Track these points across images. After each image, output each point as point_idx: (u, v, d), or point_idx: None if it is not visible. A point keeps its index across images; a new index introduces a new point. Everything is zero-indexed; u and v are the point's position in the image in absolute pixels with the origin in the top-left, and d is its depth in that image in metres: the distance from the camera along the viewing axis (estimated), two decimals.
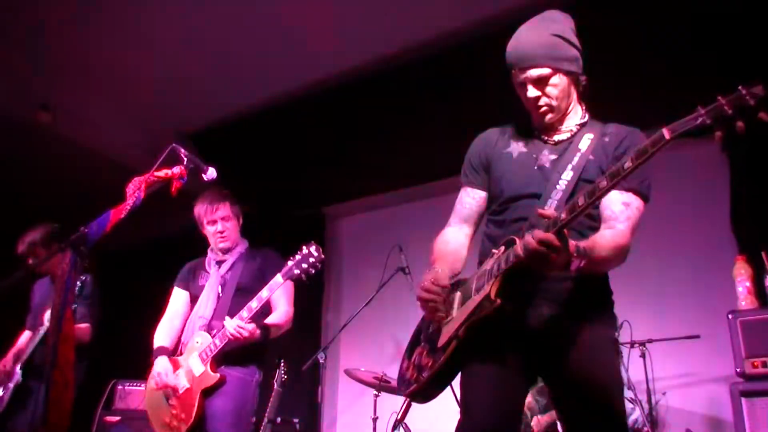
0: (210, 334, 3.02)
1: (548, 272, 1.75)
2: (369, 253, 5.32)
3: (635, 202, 1.87)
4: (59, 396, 1.73)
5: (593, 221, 1.91)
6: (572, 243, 1.65)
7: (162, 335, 3.20)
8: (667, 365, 3.91)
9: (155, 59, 4.82)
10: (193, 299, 3.24)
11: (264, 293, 2.96)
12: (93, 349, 3.93)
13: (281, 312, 3.15)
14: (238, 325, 2.89)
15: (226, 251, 3.26)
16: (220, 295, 3.15)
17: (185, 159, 2.41)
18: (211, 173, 2.79)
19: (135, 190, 2.16)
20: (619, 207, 1.85)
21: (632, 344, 3.76)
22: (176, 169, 2.35)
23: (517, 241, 1.72)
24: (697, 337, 3.70)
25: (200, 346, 3.02)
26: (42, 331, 3.68)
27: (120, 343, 5.30)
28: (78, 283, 3.53)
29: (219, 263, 3.25)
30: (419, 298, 1.94)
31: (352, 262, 5.92)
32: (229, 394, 2.97)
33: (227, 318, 2.94)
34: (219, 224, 3.20)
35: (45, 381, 1.73)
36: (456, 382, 2.00)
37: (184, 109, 5.42)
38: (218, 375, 2.96)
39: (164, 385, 2.99)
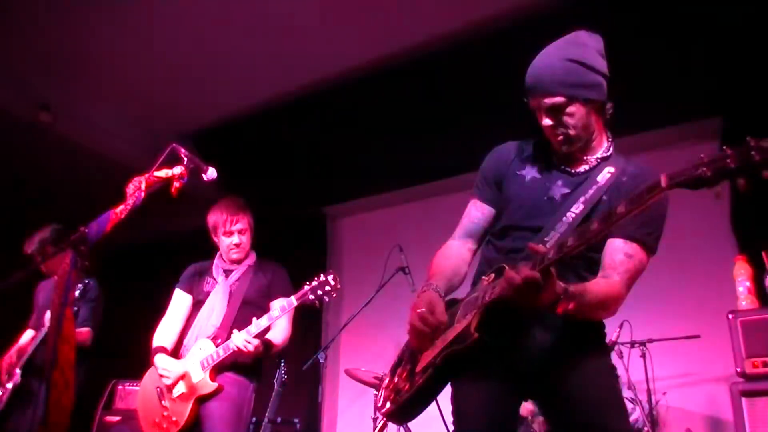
0: (214, 343, 3.01)
1: (532, 308, 1.68)
2: (369, 253, 5.32)
3: (638, 254, 1.78)
4: (59, 396, 1.73)
5: (595, 265, 1.82)
6: (561, 285, 1.59)
7: (161, 336, 3.18)
8: (667, 365, 3.91)
9: (155, 59, 4.82)
10: (197, 303, 3.21)
11: (275, 313, 2.98)
12: (93, 350, 3.94)
13: (281, 330, 3.15)
14: (246, 339, 2.89)
15: (236, 262, 3.25)
16: (227, 305, 3.13)
17: (185, 159, 2.41)
18: (211, 173, 2.78)
19: (135, 190, 2.17)
20: (620, 257, 1.76)
21: (632, 344, 3.76)
22: (176, 169, 2.35)
23: (506, 270, 1.63)
24: (697, 337, 3.70)
25: (202, 353, 3.00)
26: (44, 331, 3.68)
27: (120, 343, 5.30)
28: (80, 285, 3.53)
29: (227, 272, 3.23)
30: (411, 324, 1.84)
31: (352, 262, 5.92)
32: (227, 397, 2.96)
33: (235, 331, 2.94)
34: (236, 236, 3.18)
35: (45, 381, 1.73)
36: (441, 397, 1.97)
37: (184, 109, 5.42)
38: (216, 384, 2.94)
39: (175, 378, 2.97)
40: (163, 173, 2.30)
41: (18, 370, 3.73)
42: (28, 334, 4.02)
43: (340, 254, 6.10)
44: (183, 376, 2.99)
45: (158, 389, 3.06)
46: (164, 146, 2.35)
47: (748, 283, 3.40)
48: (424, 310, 1.81)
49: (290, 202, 5.73)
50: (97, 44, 4.66)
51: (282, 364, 4.31)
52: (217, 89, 5.15)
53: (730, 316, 3.25)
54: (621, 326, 3.63)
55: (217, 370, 2.98)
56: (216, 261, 3.29)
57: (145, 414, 3.09)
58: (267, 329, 3.09)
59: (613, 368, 1.93)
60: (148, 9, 4.30)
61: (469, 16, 4.27)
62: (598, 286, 1.72)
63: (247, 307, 3.09)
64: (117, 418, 4.69)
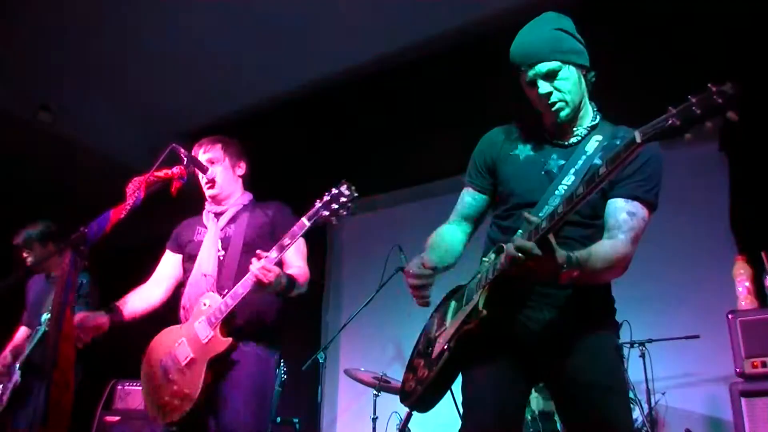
0: (220, 294, 2.59)
1: (536, 281, 1.74)
2: (369, 253, 5.32)
3: (640, 211, 1.81)
4: (59, 396, 1.73)
5: (600, 233, 1.85)
6: (563, 253, 1.61)
7: (130, 296, 2.81)
8: (667, 365, 3.91)
9: (155, 59, 4.82)
10: (189, 259, 2.80)
11: (286, 240, 2.50)
12: (92, 349, 3.93)
13: (298, 268, 2.75)
14: (265, 266, 2.44)
15: (219, 201, 2.85)
16: (220, 250, 2.73)
17: (185, 159, 2.42)
18: (211, 173, 2.79)
19: (135, 190, 2.17)
20: (623, 216, 1.79)
21: (632, 344, 3.76)
22: (176, 169, 2.36)
23: (506, 246, 1.68)
24: (697, 337, 3.70)
25: (208, 308, 2.58)
26: (40, 330, 3.68)
27: (120, 343, 5.30)
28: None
29: (217, 215, 2.84)
30: (408, 284, 1.94)
31: (352, 262, 5.92)
32: (246, 373, 2.56)
33: (254, 260, 2.49)
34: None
35: (45, 381, 1.73)
36: (455, 387, 2.01)
37: (184, 109, 5.42)
38: (230, 339, 2.51)
39: (84, 323, 2.65)
40: (163, 173, 2.31)
41: (18, 370, 3.73)
42: (21, 332, 4.01)
43: (340, 254, 6.10)
44: (190, 339, 2.58)
45: (162, 364, 2.64)
46: (164, 146, 2.35)
47: (747, 283, 3.40)
48: (414, 267, 1.92)
49: (289, 202, 5.72)
50: (97, 44, 4.66)
51: (282, 364, 4.31)
52: (216, 89, 5.16)
53: (730, 316, 3.25)
54: (620, 326, 3.63)
55: (231, 332, 2.56)
56: (206, 206, 2.90)
57: (151, 394, 2.64)
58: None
59: (619, 348, 1.96)
60: (148, 9, 4.31)
61: (469, 15, 4.28)
62: (602, 248, 1.74)
63: (247, 252, 2.65)
64: (117, 418, 4.69)
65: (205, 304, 2.62)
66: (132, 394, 4.82)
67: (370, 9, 4.28)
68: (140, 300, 2.84)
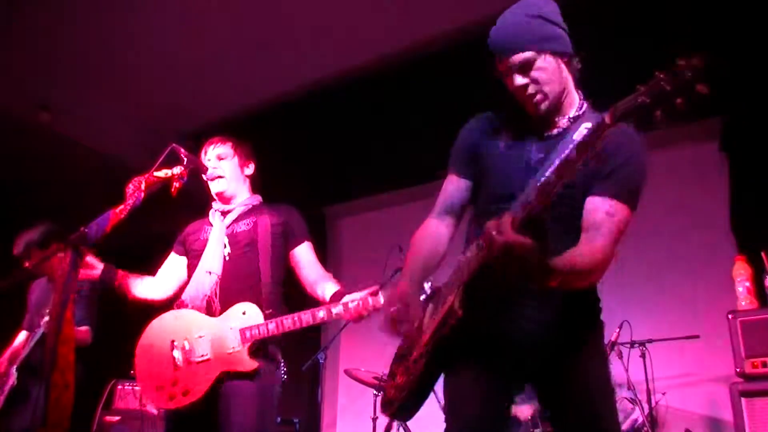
0: (264, 313, 2.50)
1: (514, 277, 1.60)
2: (369, 253, 5.31)
3: (620, 212, 1.70)
4: (59, 397, 1.73)
5: (573, 229, 1.76)
6: (546, 261, 1.52)
7: (134, 276, 2.78)
8: (667, 365, 3.91)
9: (155, 59, 4.82)
10: (196, 256, 2.70)
11: (356, 296, 2.48)
12: (92, 349, 3.93)
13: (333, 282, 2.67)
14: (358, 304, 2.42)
15: (226, 199, 2.78)
16: (227, 247, 2.65)
17: (185, 159, 2.42)
18: (211, 173, 2.79)
19: (135, 190, 2.17)
20: (601, 216, 1.69)
21: (632, 344, 3.76)
22: (176, 169, 2.36)
23: (487, 226, 1.53)
24: (697, 337, 3.70)
25: (245, 318, 2.49)
26: (39, 332, 3.66)
27: (120, 343, 5.30)
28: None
29: (224, 214, 2.77)
30: (384, 325, 1.79)
31: (352, 262, 5.92)
32: (254, 385, 2.48)
33: (332, 307, 2.47)
34: (213, 161, 2.78)
35: (45, 382, 1.72)
36: (439, 387, 1.95)
37: (184, 109, 5.42)
38: (256, 364, 2.45)
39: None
40: (163, 173, 2.31)
41: (14, 372, 3.71)
42: (21, 336, 4.00)
43: (339, 254, 6.10)
44: (214, 339, 2.48)
45: (173, 346, 2.54)
46: (164, 146, 2.35)
47: (747, 284, 3.40)
48: (397, 307, 1.76)
49: (290, 202, 5.72)
50: (97, 44, 4.66)
51: (282, 364, 4.30)
52: (216, 89, 5.16)
53: (730, 316, 3.25)
54: (621, 326, 3.63)
55: (254, 349, 2.50)
56: (212, 205, 2.83)
57: (147, 372, 2.53)
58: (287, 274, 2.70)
59: (605, 351, 1.92)
60: (148, 9, 4.31)
61: (470, 15, 4.28)
62: (581, 258, 1.62)
63: (252, 250, 2.63)
64: (117, 418, 4.69)
65: (244, 313, 2.52)
66: (132, 394, 4.82)
67: (370, 9, 4.27)
68: (142, 285, 2.79)
